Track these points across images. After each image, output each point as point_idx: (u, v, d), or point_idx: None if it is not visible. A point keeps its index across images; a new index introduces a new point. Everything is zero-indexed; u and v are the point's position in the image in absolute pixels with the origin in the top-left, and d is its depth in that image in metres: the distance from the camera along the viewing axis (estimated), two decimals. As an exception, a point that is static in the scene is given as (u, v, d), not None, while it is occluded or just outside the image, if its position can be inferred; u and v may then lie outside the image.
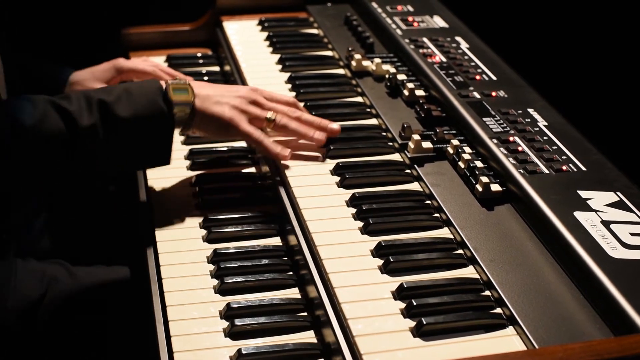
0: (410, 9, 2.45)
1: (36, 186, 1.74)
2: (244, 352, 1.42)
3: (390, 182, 1.78)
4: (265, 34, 2.46)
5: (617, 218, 1.53)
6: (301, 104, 1.97)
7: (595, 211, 1.55)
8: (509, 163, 1.69)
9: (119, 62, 2.23)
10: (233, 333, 1.47)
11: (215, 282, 1.60)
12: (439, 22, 2.37)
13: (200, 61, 2.47)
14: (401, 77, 2.09)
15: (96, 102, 1.69)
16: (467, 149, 1.79)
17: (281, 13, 2.60)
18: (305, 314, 1.54)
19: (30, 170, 1.67)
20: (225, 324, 1.50)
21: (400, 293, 1.46)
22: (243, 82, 2.20)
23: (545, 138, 1.78)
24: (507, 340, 1.38)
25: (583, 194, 1.60)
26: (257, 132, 1.83)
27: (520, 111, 1.89)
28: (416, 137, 1.82)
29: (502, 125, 1.82)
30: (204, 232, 1.73)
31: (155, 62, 2.27)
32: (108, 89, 1.76)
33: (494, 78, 2.05)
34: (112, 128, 1.69)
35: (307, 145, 1.89)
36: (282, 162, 1.83)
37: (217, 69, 2.44)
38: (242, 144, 2.08)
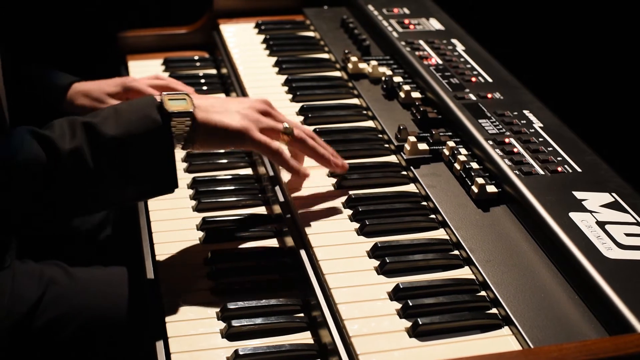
0: (406, 11, 2.46)
1: (20, 218, 1.54)
2: (241, 352, 1.42)
3: (386, 184, 1.78)
4: (262, 36, 2.47)
5: (612, 219, 1.54)
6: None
7: (590, 212, 1.56)
8: (504, 164, 1.69)
9: (128, 79, 2.16)
10: (230, 334, 1.48)
11: (211, 283, 1.60)
12: (434, 24, 2.38)
13: (198, 64, 2.48)
14: (397, 79, 2.10)
15: (80, 124, 1.52)
16: (463, 151, 1.79)
17: (278, 16, 2.61)
18: (302, 315, 1.54)
19: (12, 201, 1.49)
20: (222, 325, 1.50)
21: (396, 294, 1.47)
22: (240, 85, 2.21)
23: (540, 139, 1.79)
24: (503, 340, 1.39)
25: (578, 194, 1.61)
26: (273, 141, 1.66)
27: (515, 113, 1.90)
28: (412, 138, 1.82)
29: (498, 127, 1.83)
30: (201, 234, 1.74)
31: (168, 79, 2.17)
32: (96, 112, 1.60)
33: (490, 80, 2.06)
34: (100, 150, 1.50)
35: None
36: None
37: (214, 71, 2.45)
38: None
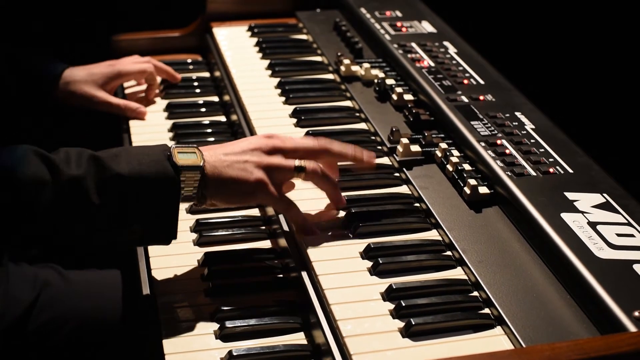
0: (399, 14, 2.47)
1: (16, 235, 1.49)
2: (235, 353, 1.43)
3: (379, 185, 1.79)
4: (255, 39, 2.48)
5: (603, 219, 1.55)
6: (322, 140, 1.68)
7: (582, 212, 1.57)
8: (496, 166, 1.70)
9: (117, 66, 2.22)
10: (224, 335, 1.48)
11: (205, 285, 1.61)
12: (427, 27, 2.39)
13: (190, 67, 2.48)
14: (390, 81, 2.11)
15: (88, 155, 1.47)
16: (455, 152, 1.80)
17: (270, 19, 2.62)
18: (295, 316, 1.55)
19: (11, 216, 1.44)
20: (216, 326, 1.50)
21: (389, 294, 1.47)
22: (233, 88, 2.22)
23: (532, 141, 1.80)
24: (495, 340, 1.40)
25: (570, 195, 1.62)
26: (285, 198, 1.62)
27: (507, 114, 1.91)
28: (405, 140, 1.83)
29: (490, 129, 1.84)
30: (194, 235, 1.74)
31: (148, 59, 2.31)
32: (106, 150, 1.53)
33: (482, 82, 2.07)
34: (106, 184, 1.46)
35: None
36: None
37: (207, 74, 2.45)
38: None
